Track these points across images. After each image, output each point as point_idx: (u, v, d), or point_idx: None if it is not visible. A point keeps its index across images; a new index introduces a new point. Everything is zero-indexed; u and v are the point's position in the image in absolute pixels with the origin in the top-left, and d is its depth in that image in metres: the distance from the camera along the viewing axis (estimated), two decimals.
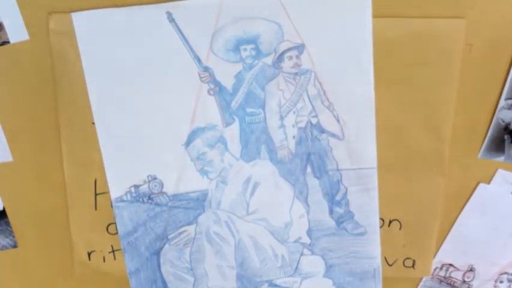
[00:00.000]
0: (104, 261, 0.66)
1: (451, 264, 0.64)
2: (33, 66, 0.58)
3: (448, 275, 0.65)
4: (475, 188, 0.61)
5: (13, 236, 0.64)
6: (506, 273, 0.64)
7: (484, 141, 0.58)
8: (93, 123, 0.59)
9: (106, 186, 0.62)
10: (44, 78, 0.58)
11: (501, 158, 0.58)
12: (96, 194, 0.63)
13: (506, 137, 0.57)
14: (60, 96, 0.59)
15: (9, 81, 0.58)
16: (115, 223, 0.63)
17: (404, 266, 0.64)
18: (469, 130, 0.58)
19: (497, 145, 0.58)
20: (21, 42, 0.57)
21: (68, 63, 0.57)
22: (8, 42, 0.56)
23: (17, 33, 0.56)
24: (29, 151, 0.61)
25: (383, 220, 0.62)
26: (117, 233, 0.63)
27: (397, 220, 0.62)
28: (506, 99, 0.56)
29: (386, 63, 0.56)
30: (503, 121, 0.57)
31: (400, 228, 0.63)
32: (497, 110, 0.56)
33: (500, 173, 0.59)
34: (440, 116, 0.57)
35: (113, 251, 0.66)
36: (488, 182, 0.60)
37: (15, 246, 0.64)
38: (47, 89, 0.59)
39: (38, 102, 0.59)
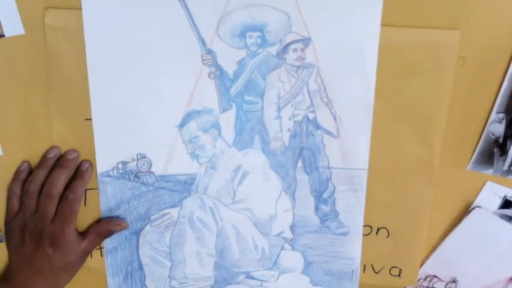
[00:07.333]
0: (91, 257, 0.64)
1: (435, 276, 0.65)
2: (28, 60, 0.57)
3: (431, 285, 0.65)
4: (462, 200, 0.61)
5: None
6: None
7: (473, 153, 0.59)
8: (86, 119, 0.58)
9: (95, 183, 0.61)
10: (37, 73, 0.57)
11: (490, 171, 0.59)
12: (86, 190, 0.61)
13: (495, 150, 0.58)
14: (53, 92, 0.58)
15: (2, 75, 0.57)
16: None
17: (391, 274, 0.65)
18: (459, 142, 0.59)
19: (487, 158, 0.59)
20: (16, 36, 0.55)
21: (63, 59, 0.56)
22: (3, 35, 0.55)
23: (13, 27, 0.55)
24: (20, 146, 0.60)
25: (371, 227, 0.63)
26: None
27: (385, 228, 0.63)
28: (497, 112, 0.57)
29: (380, 71, 0.56)
30: (494, 134, 0.58)
31: (388, 237, 0.63)
32: (488, 123, 0.57)
33: (489, 186, 0.60)
34: (431, 126, 0.58)
35: (100, 248, 0.64)
36: (477, 194, 0.61)
37: (1, 240, 0.62)
38: (40, 84, 0.57)
39: (30, 97, 0.58)
